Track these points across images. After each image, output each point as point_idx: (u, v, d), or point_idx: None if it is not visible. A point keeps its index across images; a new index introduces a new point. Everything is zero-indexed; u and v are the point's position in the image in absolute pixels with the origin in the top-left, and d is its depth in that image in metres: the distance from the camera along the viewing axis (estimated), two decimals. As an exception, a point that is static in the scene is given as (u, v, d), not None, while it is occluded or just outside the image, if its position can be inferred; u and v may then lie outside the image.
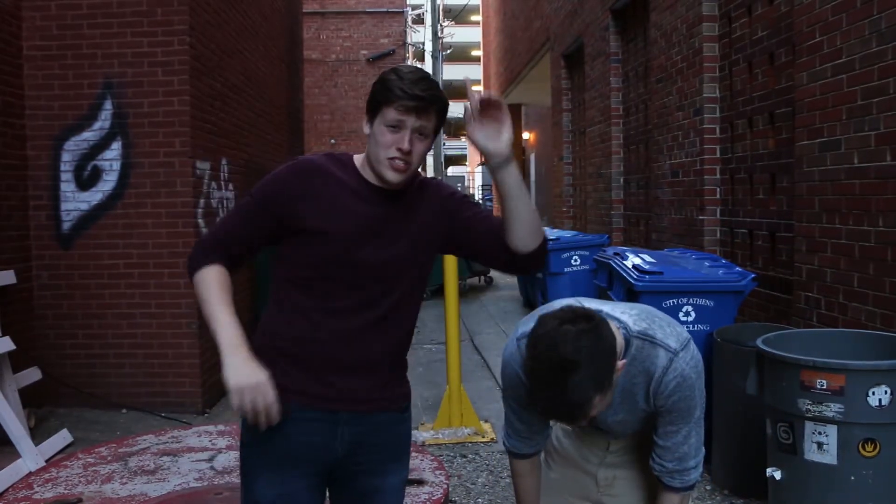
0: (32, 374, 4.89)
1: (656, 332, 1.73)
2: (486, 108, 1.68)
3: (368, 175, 1.80)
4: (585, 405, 1.52)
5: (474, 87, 1.72)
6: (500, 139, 1.67)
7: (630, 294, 4.02)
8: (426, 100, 1.70)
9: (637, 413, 1.80)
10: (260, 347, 1.79)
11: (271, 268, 1.83)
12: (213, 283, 1.74)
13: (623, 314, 1.76)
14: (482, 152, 1.67)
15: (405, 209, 1.83)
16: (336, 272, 1.76)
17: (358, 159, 1.84)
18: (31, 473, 3.96)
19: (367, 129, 1.77)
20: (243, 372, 1.64)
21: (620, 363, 1.61)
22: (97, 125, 5.35)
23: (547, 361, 1.51)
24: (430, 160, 35.33)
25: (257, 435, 1.74)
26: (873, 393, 2.62)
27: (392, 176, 1.74)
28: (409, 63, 22.79)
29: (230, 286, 1.77)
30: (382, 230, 1.79)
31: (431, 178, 1.94)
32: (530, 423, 1.89)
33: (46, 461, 4.20)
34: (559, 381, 1.49)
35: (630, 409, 1.80)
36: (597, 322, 1.56)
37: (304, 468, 1.79)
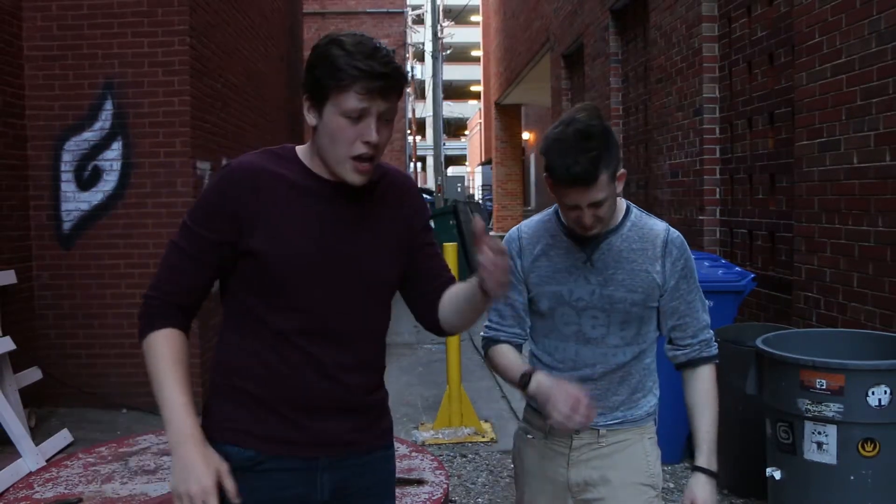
0: (33, 374, 4.90)
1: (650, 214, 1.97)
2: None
3: (319, 168, 1.50)
4: (596, 167, 1.68)
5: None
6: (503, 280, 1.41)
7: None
8: (391, 77, 1.39)
9: (636, 284, 1.83)
10: (219, 387, 1.55)
11: None
12: (164, 356, 1.45)
13: None
14: (482, 284, 1.43)
15: (370, 206, 1.54)
16: (295, 294, 1.47)
17: (302, 151, 1.54)
18: (31, 473, 3.97)
19: (312, 120, 1.45)
20: (189, 474, 1.37)
21: (622, 173, 1.80)
22: (97, 125, 5.36)
23: (569, 129, 1.71)
24: (430, 160, 35.41)
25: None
26: (873, 393, 2.62)
27: (356, 178, 1.45)
28: (409, 63, 22.75)
29: (185, 353, 1.49)
30: (346, 235, 1.50)
31: (397, 171, 1.64)
32: (513, 305, 1.93)
33: (47, 461, 4.21)
34: (579, 142, 1.68)
35: (630, 277, 1.83)
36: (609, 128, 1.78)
37: None
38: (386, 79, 1.38)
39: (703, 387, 1.90)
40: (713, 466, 1.85)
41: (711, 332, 1.95)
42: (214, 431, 1.52)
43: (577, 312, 1.86)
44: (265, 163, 1.49)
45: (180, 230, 1.52)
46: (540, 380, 1.76)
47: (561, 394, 1.65)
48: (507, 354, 1.93)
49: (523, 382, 1.80)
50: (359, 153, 1.42)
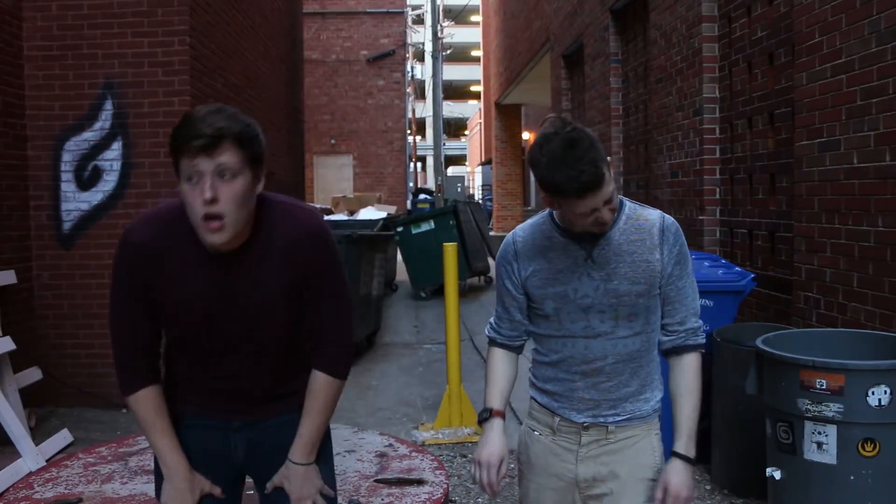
0: (33, 374, 4.90)
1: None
2: None
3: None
4: (599, 168, 1.69)
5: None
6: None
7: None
8: (209, 136, 1.52)
9: (639, 275, 1.84)
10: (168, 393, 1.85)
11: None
12: (147, 412, 1.76)
13: None
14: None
15: (252, 263, 1.68)
16: (196, 343, 1.75)
17: None
18: (31, 473, 3.97)
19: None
20: (176, 500, 1.76)
21: (610, 160, 1.83)
22: (98, 125, 5.36)
23: (556, 140, 1.70)
24: (430, 160, 35.40)
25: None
26: (873, 393, 2.62)
27: (211, 239, 1.58)
28: (409, 63, 22.77)
29: (161, 403, 1.79)
30: (232, 297, 1.69)
31: (293, 226, 1.72)
32: (510, 309, 1.99)
33: (47, 461, 4.21)
34: (571, 152, 1.68)
35: (633, 269, 1.85)
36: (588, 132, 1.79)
37: (209, 475, 1.83)
38: (200, 138, 1.52)
39: (686, 375, 1.92)
40: (691, 453, 1.87)
41: (701, 321, 1.95)
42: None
43: (583, 310, 1.87)
44: (154, 236, 1.68)
45: (111, 302, 1.77)
46: (491, 428, 1.94)
47: (485, 455, 1.90)
48: (496, 366, 2.03)
49: (481, 418, 1.99)
50: (203, 213, 1.55)
